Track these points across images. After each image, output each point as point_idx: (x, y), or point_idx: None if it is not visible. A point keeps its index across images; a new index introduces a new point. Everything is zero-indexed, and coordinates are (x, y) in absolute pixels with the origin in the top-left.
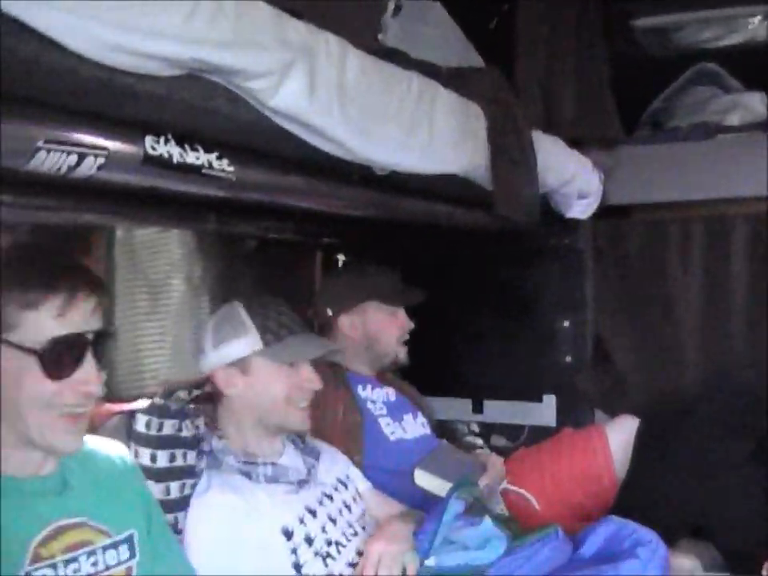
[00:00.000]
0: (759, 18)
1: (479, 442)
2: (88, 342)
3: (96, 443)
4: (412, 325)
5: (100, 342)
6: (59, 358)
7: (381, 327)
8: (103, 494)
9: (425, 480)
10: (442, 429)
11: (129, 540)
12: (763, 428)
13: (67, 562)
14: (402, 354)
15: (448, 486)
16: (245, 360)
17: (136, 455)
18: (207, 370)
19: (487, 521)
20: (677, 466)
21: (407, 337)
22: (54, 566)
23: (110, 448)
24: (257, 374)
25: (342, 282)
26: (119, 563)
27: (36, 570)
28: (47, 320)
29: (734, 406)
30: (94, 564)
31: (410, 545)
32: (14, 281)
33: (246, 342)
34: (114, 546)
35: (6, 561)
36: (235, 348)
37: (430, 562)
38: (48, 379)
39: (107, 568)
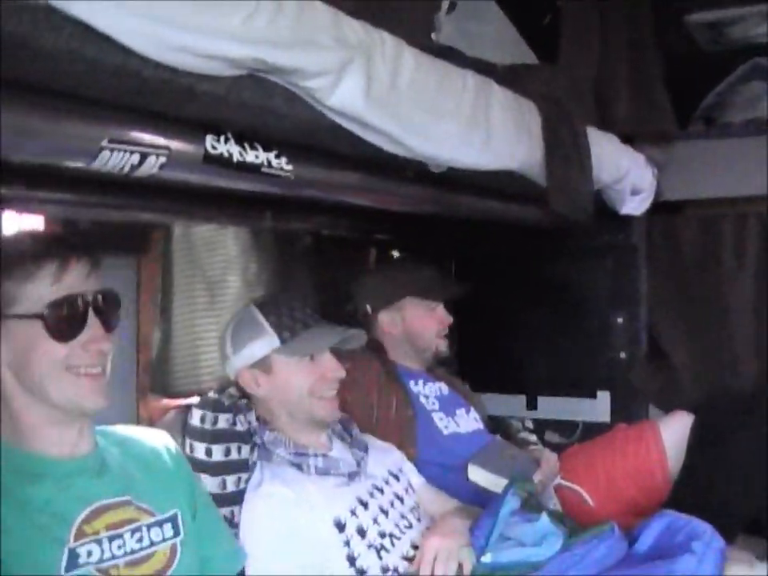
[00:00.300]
0: None
1: (533, 438)
2: (87, 301)
3: (136, 430)
4: (451, 319)
5: (102, 303)
6: (61, 319)
7: (419, 323)
8: (144, 475)
9: (478, 475)
10: (496, 425)
11: (173, 519)
12: None
13: (112, 538)
14: (441, 346)
15: (501, 481)
16: (265, 360)
17: (191, 450)
18: (233, 375)
19: (544, 517)
20: (732, 462)
21: (447, 331)
22: (98, 542)
23: (150, 434)
24: (278, 371)
25: (379, 278)
26: (164, 540)
27: (81, 545)
28: (44, 288)
29: None
30: (139, 540)
31: (466, 541)
32: (9, 259)
33: (264, 342)
34: (159, 524)
35: (49, 539)
36: (254, 349)
37: (486, 558)
38: (56, 342)
39: (152, 544)
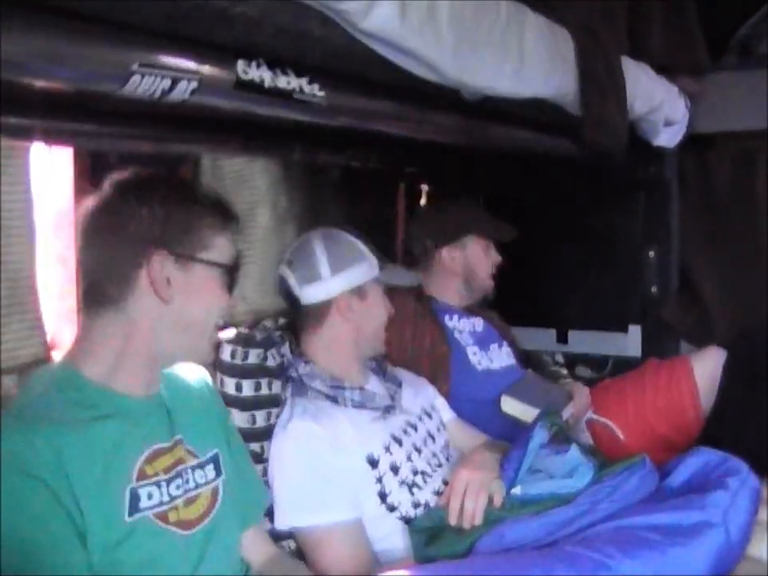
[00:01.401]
0: None
1: (564, 372)
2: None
3: (180, 367)
4: (500, 259)
5: None
6: (234, 273)
7: (478, 261)
8: (190, 416)
9: (511, 406)
10: (528, 359)
11: (215, 459)
12: None
13: (170, 481)
14: (490, 287)
15: (534, 412)
16: (363, 286)
17: (222, 384)
18: (323, 298)
19: (574, 449)
20: (765, 399)
21: (495, 272)
22: (158, 484)
23: (190, 371)
24: (371, 298)
25: (441, 215)
26: (207, 482)
27: (141, 486)
28: (229, 242)
29: None
30: (187, 481)
31: (497, 473)
32: (207, 208)
33: (366, 269)
34: (201, 465)
35: (113, 478)
36: (356, 274)
37: (516, 490)
38: (227, 293)
39: (197, 486)
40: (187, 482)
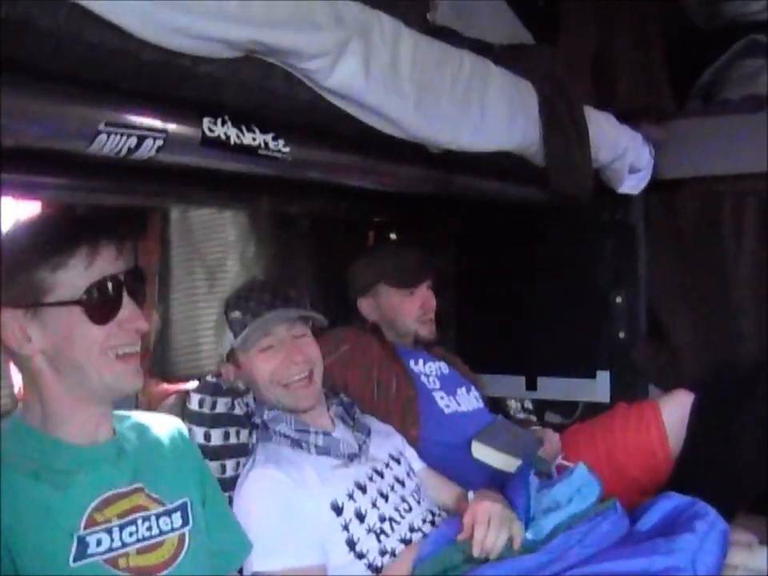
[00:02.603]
0: None
1: (533, 418)
2: (121, 282)
3: (151, 417)
4: (433, 303)
5: (134, 281)
6: (99, 302)
7: (395, 308)
8: (157, 463)
9: (483, 452)
10: (494, 405)
11: (182, 508)
12: None
13: (122, 527)
14: (422, 331)
15: (506, 458)
16: (231, 354)
17: (190, 434)
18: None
19: (581, 467)
20: (734, 441)
21: (431, 315)
22: (109, 531)
23: (165, 421)
24: (243, 365)
25: (356, 265)
26: (173, 530)
27: (90, 534)
28: (78, 273)
29: None
30: (149, 529)
31: (515, 515)
32: (39, 249)
33: (226, 339)
34: (168, 513)
35: (60, 526)
36: (223, 345)
37: (529, 534)
38: (95, 325)
39: (161, 533)
40: (149, 528)
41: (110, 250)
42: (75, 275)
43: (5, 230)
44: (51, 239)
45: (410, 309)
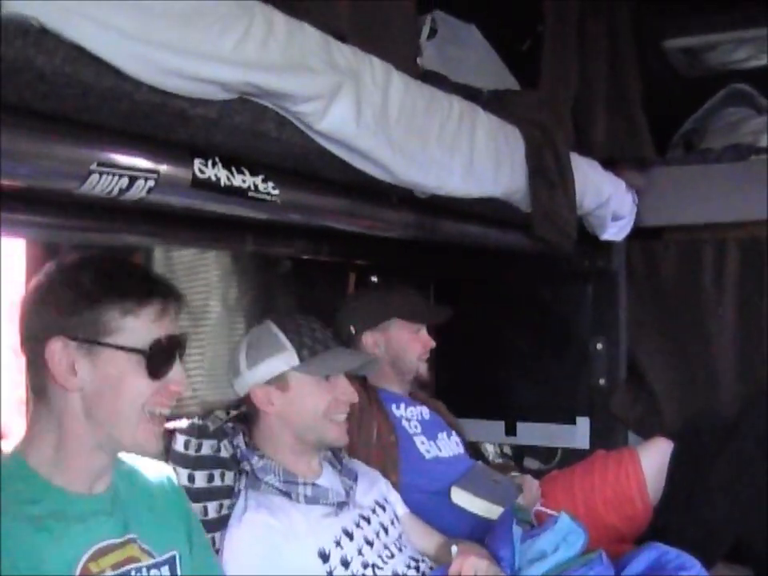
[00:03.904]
0: None
1: (511, 464)
2: (179, 344)
3: (141, 463)
4: (433, 343)
5: (184, 346)
6: (159, 358)
7: (404, 345)
8: (149, 513)
9: (461, 498)
10: (473, 450)
11: (171, 561)
12: None
13: None
14: (423, 369)
15: (485, 504)
16: (282, 376)
17: (174, 475)
18: (243, 391)
19: (564, 516)
20: (713, 488)
21: (428, 355)
22: None
23: (155, 468)
24: (295, 389)
25: (365, 300)
26: None
27: None
28: (147, 324)
29: None
30: None
31: (500, 569)
32: (115, 288)
33: (283, 359)
34: (157, 566)
35: (49, 573)
36: (272, 365)
37: None
38: (149, 379)
39: None
40: None
41: (176, 311)
42: (143, 325)
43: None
44: (129, 283)
45: (415, 347)
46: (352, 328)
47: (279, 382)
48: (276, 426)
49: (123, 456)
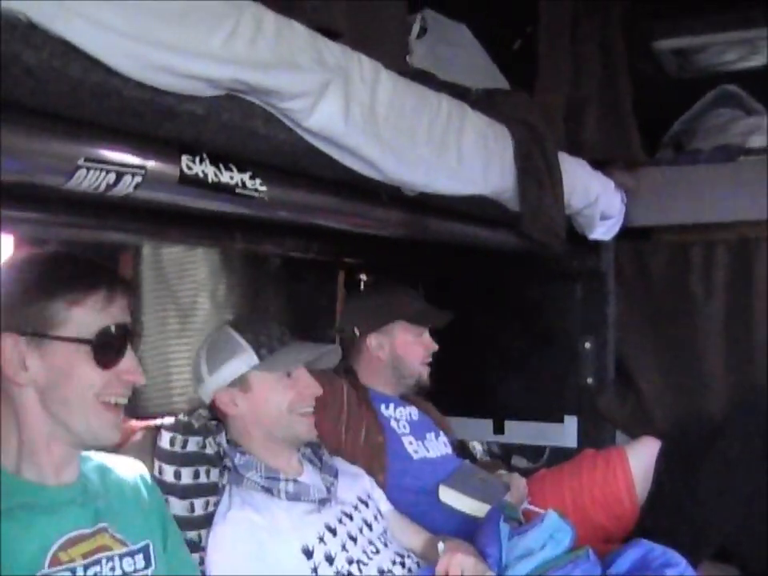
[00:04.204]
0: None
1: (498, 462)
2: (128, 331)
3: (114, 459)
4: (436, 346)
5: (134, 334)
6: (107, 347)
7: (407, 347)
8: (121, 504)
9: (449, 496)
10: (461, 449)
11: (145, 549)
12: None
13: (87, 567)
14: (424, 374)
15: (473, 502)
16: (243, 378)
17: (160, 472)
18: (209, 398)
19: (551, 513)
20: (700, 488)
21: (430, 358)
22: (73, 570)
23: (127, 463)
24: (257, 389)
25: (370, 302)
26: (135, 571)
27: (55, 573)
28: (93, 314)
29: (759, 427)
30: (112, 569)
31: (486, 566)
32: (58, 281)
33: (242, 360)
34: (131, 554)
35: (25, 564)
36: (232, 368)
37: None
38: (99, 368)
39: (124, 574)
40: (112, 569)
41: (123, 299)
42: (89, 315)
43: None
44: (72, 275)
45: (418, 350)
46: (356, 330)
47: (241, 383)
48: (245, 427)
49: (93, 454)
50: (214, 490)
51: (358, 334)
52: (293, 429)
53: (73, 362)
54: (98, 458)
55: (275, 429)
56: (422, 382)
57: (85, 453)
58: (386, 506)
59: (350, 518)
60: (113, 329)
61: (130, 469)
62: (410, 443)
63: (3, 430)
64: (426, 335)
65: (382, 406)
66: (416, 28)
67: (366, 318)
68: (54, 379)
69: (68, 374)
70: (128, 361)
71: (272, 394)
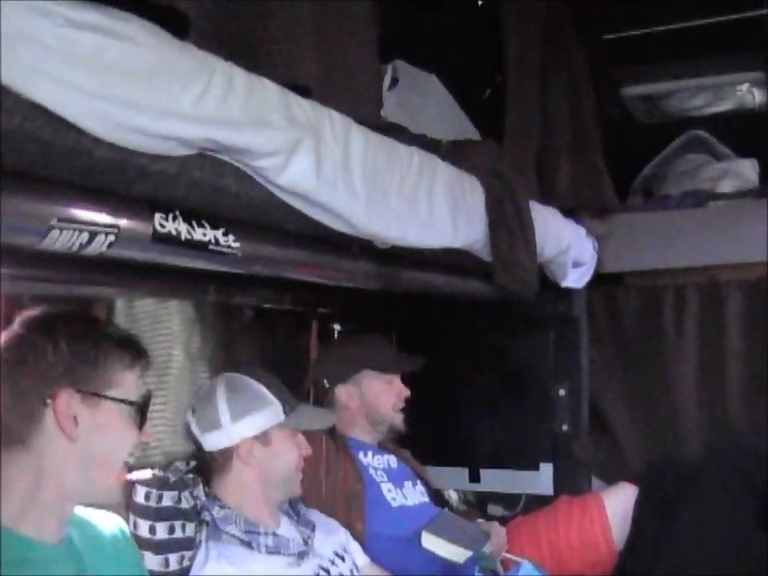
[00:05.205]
0: (747, 85)
1: (475, 511)
2: (150, 399)
3: (94, 513)
4: (408, 392)
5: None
6: (145, 410)
7: (377, 395)
8: (102, 562)
9: (432, 543)
10: (437, 497)
11: None
12: (765, 493)
13: None
14: (398, 420)
15: (455, 549)
16: (266, 431)
17: (135, 526)
18: (224, 444)
19: (527, 564)
20: (678, 533)
21: (403, 404)
22: None
23: (105, 518)
24: (276, 443)
25: (337, 352)
26: None
27: None
28: (137, 379)
29: (734, 471)
30: None
31: None
32: (117, 345)
33: (270, 413)
34: None
35: None
36: (259, 420)
37: None
38: (137, 431)
39: None
40: None
41: (146, 370)
42: (135, 380)
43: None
44: (127, 340)
45: (388, 398)
46: (325, 382)
47: (263, 436)
48: (249, 479)
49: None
50: (189, 544)
51: (327, 386)
52: (293, 486)
53: (120, 423)
54: (79, 512)
55: (280, 484)
56: (395, 428)
57: None
58: (362, 559)
59: (327, 572)
60: (149, 395)
61: (108, 523)
62: (389, 491)
63: (11, 485)
64: (397, 381)
65: (360, 454)
66: (387, 79)
67: (334, 369)
68: (96, 436)
69: (112, 433)
70: (147, 423)
71: (288, 452)
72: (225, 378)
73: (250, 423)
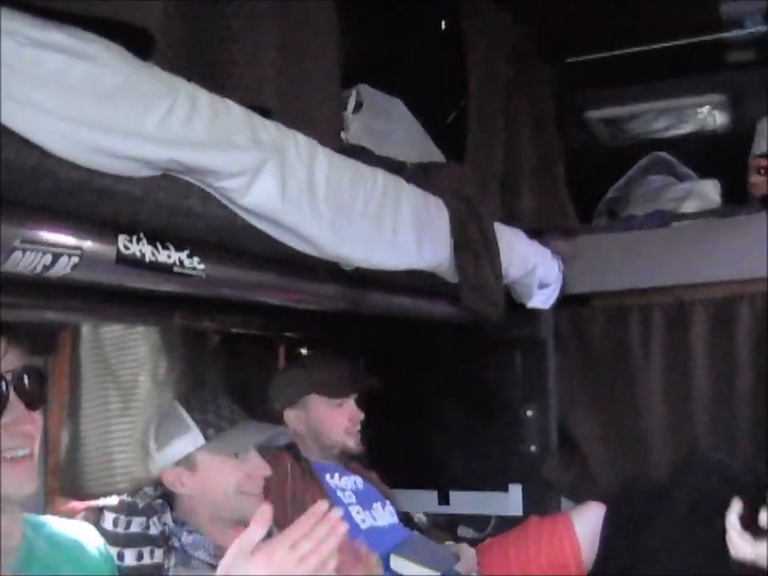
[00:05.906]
0: (708, 107)
1: (444, 533)
2: (7, 381)
3: (64, 523)
4: (361, 415)
5: (25, 382)
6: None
7: (324, 419)
8: (70, 570)
9: (401, 565)
10: (406, 520)
11: None
12: None
13: None
14: (350, 443)
15: (424, 570)
16: (189, 457)
17: None
18: (157, 473)
19: None
20: (647, 552)
21: (358, 427)
22: None
23: (78, 528)
24: (203, 469)
25: (287, 376)
26: None
27: None
28: None
29: (703, 489)
30: None
31: None
32: None
33: (188, 439)
34: None
35: None
36: (178, 447)
37: None
38: None
39: None
40: None
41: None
42: None
43: None
44: None
45: (338, 421)
46: (276, 404)
47: (188, 462)
48: (192, 505)
49: (49, 519)
50: (157, 571)
51: (278, 408)
52: (239, 509)
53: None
54: (50, 522)
55: (221, 509)
56: (349, 451)
57: (35, 517)
58: None
59: None
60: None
61: (81, 534)
62: (357, 513)
63: None
64: (349, 404)
65: (327, 476)
66: (351, 102)
67: (283, 392)
68: None
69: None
70: (13, 413)
71: (218, 475)
72: (162, 409)
73: (171, 450)
